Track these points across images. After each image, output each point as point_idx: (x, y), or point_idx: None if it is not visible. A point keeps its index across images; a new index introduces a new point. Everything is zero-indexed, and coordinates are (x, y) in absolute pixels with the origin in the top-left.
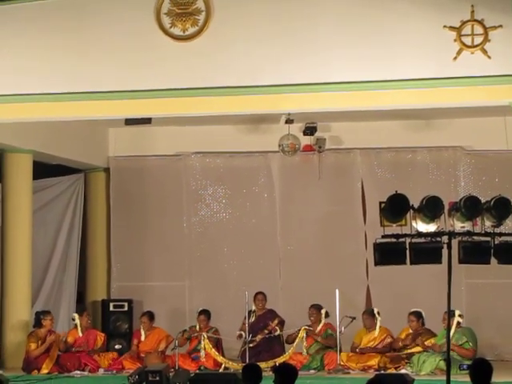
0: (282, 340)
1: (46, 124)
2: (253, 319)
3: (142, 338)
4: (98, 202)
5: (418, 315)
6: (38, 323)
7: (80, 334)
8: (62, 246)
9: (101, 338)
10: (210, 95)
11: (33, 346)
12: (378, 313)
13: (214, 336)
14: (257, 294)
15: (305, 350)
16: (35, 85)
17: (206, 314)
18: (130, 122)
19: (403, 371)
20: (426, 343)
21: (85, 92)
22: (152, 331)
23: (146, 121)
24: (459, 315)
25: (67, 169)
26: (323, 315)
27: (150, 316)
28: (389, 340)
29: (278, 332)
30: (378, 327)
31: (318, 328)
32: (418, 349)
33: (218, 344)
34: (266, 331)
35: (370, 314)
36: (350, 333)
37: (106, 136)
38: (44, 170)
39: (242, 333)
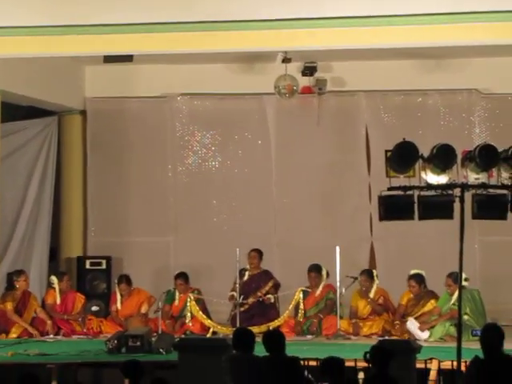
0: (276, 303)
1: (16, 61)
2: (245, 278)
3: (118, 304)
4: (73, 148)
5: (418, 279)
6: (10, 285)
7: (58, 301)
8: (33, 197)
9: (80, 300)
10: (199, 30)
11: (9, 305)
12: (377, 275)
13: (200, 297)
14: (251, 251)
15: (302, 314)
16: (3, 17)
17: (182, 277)
18: (109, 59)
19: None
20: (425, 308)
21: (59, 26)
22: (131, 294)
23: (127, 58)
24: (465, 279)
25: (39, 111)
26: (324, 276)
27: (128, 281)
28: (381, 301)
29: (272, 300)
30: (373, 290)
31: (318, 290)
32: (424, 310)
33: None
34: (259, 294)
35: (369, 275)
36: (351, 294)
37: (82, 75)
38: (13, 112)
39: (235, 294)
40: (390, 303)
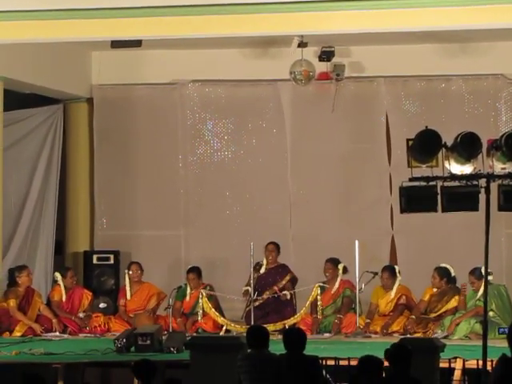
0: (293, 299)
1: (19, 46)
2: (262, 272)
3: (128, 295)
4: (79, 138)
5: (442, 273)
6: (12, 282)
7: (64, 298)
8: (37, 189)
9: (87, 297)
10: (211, 14)
11: (12, 302)
12: (399, 272)
13: (212, 293)
14: (268, 244)
15: (320, 311)
16: (5, 1)
17: (195, 271)
18: (116, 44)
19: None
20: (449, 305)
21: (64, 9)
22: (141, 286)
23: (136, 43)
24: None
25: (44, 99)
26: (340, 271)
27: (140, 266)
28: (402, 300)
29: (288, 297)
30: (395, 287)
31: (335, 287)
32: (447, 307)
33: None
34: (276, 288)
35: (391, 272)
36: (371, 290)
37: (88, 61)
38: (17, 100)
39: (249, 288)
40: (413, 302)
